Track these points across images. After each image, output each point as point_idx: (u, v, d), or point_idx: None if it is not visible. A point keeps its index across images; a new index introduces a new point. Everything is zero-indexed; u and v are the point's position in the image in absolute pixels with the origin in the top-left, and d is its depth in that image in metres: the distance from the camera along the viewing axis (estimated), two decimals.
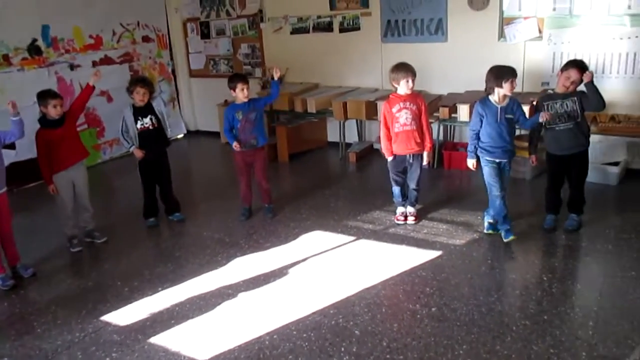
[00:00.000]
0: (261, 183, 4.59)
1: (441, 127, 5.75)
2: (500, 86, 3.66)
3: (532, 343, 2.81)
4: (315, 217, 4.54)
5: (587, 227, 4.04)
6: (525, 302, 3.20)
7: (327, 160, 6.36)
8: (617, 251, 3.70)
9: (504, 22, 5.47)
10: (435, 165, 5.55)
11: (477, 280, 3.45)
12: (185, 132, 7.90)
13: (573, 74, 3.71)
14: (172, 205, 4.67)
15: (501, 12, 5.46)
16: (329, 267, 3.73)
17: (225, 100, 6.89)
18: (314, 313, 3.19)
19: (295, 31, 6.70)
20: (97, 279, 3.83)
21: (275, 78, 4.46)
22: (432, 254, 3.80)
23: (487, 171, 3.84)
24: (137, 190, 4.64)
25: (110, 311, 3.37)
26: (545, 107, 3.82)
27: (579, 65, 3.74)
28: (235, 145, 4.34)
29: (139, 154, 4.36)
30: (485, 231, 4.06)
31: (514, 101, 3.78)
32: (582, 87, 3.78)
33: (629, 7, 4.89)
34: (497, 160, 3.82)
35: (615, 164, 4.92)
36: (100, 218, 4.54)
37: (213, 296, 3.45)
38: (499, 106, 3.73)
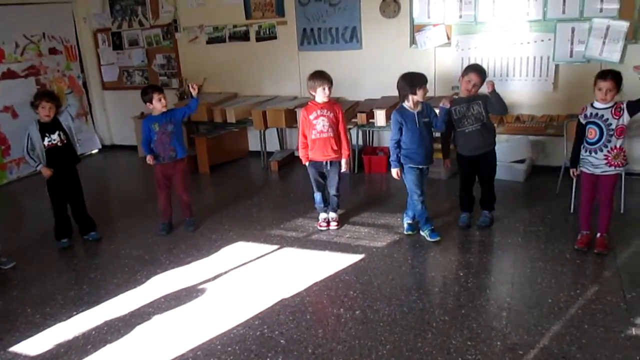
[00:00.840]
0: (181, 196, 4.48)
1: (360, 133, 5.87)
2: (415, 93, 3.80)
3: (451, 337, 2.91)
4: (238, 228, 4.49)
5: (499, 223, 4.26)
6: (444, 299, 3.31)
7: (249, 170, 6.31)
8: (526, 243, 3.92)
9: (415, 29, 5.67)
10: (356, 170, 5.65)
11: (399, 281, 3.54)
12: (100, 147, 7.57)
13: (473, 77, 3.91)
14: (86, 224, 4.46)
15: (411, 19, 5.65)
16: (253, 278, 3.70)
17: (142, 113, 6.67)
18: (238, 325, 3.14)
19: (211, 41, 6.62)
20: (4, 307, 3.57)
21: (194, 95, 4.39)
22: (355, 257, 3.85)
23: (410, 177, 3.96)
24: (48, 210, 4.39)
25: (20, 341, 3.15)
26: (454, 112, 4.00)
27: (477, 70, 3.95)
28: (148, 158, 4.24)
29: (47, 172, 4.13)
30: (405, 232, 4.17)
31: (427, 105, 3.92)
32: (484, 90, 3.98)
33: (528, 14, 5.22)
34: (420, 167, 3.96)
35: (522, 161, 5.22)
36: (8, 242, 4.27)
37: (132, 317, 3.32)
38: (415, 112, 3.86)
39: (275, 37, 6.30)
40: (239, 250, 4.10)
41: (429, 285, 3.51)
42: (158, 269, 3.89)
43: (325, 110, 4.13)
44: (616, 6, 4.90)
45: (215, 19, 6.52)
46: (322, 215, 4.40)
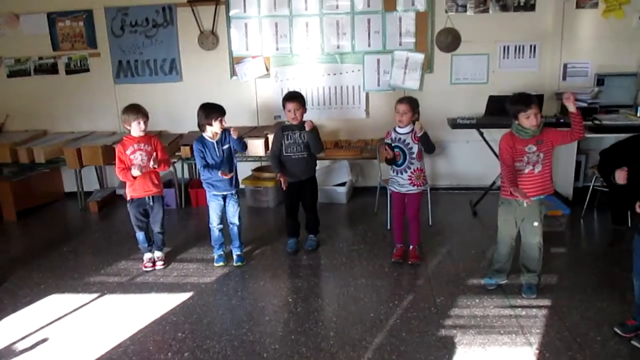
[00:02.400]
0: None
1: (185, 166, 5.73)
2: (211, 124, 3.90)
3: None
4: (52, 279, 4.05)
5: (325, 245, 4.43)
6: (274, 327, 3.31)
7: (64, 213, 5.78)
8: (350, 262, 4.12)
9: (234, 61, 5.75)
10: (183, 205, 5.48)
11: (229, 315, 3.47)
12: None
13: (290, 106, 4.06)
14: None
15: (230, 51, 5.73)
16: (68, 333, 3.34)
17: None
18: None
19: (13, 74, 6.03)
20: None
21: None
22: (183, 296, 3.70)
23: (212, 205, 4.07)
24: None
25: None
26: (285, 137, 4.10)
27: (289, 98, 4.10)
28: None
29: None
30: (234, 264, 4.13)
31: (225, 131, 4.01)
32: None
33: (338, 47, 5.61)
34: (223, 194, 4.04)
35: (343, 184, 5.53)
36: None
37: None
38: (214, 141, 3.93)
39: (87, 70, 5.94)
40: (51, 305, 3.69)
41: (259, 315, 3.49)
42: None
43: (142, 144, 3.97)
44: (412, 40, 5.51)
45: (17, 51, 5.96)
46: (147, 256, 4.17)
